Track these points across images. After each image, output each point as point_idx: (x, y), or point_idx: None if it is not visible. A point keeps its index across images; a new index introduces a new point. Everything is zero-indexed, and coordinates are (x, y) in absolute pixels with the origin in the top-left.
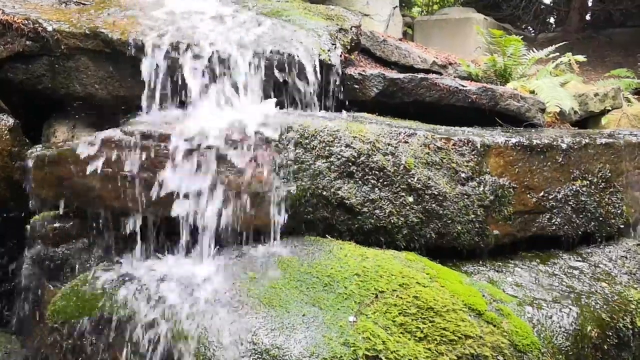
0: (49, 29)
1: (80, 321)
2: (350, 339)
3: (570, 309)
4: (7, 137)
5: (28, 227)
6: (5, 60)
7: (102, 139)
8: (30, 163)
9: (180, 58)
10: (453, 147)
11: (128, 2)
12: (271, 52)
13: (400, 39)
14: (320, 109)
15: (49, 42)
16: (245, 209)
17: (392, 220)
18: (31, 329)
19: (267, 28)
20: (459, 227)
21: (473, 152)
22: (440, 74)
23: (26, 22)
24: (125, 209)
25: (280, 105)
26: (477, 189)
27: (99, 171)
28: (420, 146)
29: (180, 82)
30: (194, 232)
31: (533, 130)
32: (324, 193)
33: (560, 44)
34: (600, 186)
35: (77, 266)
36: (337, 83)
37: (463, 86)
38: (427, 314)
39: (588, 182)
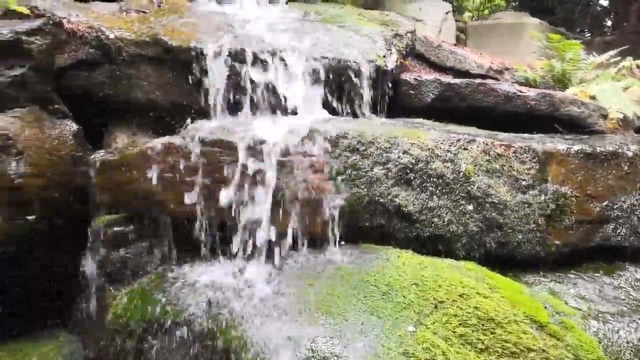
0: (111, 36)
1: (140, 324)
2: (410, 349)
3: (638, 323)
4: (71, 142)
5: (90, 230)
6: (69, 68)
7: (163, 145)
8: (93, 168)
9: (239, 65)
10: (514, 154)
11: (187, 10)
12: (327, 58)
13: (455, 44)
14: (376, 115)
15: (111, 50)
16: (301, 216)
17: (451, 229)
18: (92, 329)
19: (322, 34)
20: (520, 237)
21: (534, 160)
22: (497, 79)
23: (89, 30)
24: (184, 214)
25: (336, 111)
26: (538, 197)
27: (159, 177)
28: (480, 153)
29: (238, 89)
30: (251, 238)
31: (595, 137)
32: (381, 200)
33: (620, 48)
34: None
35: (137, 269)
36: (392, 88)
37: (521, 92)
38: (488, 325)
39: None
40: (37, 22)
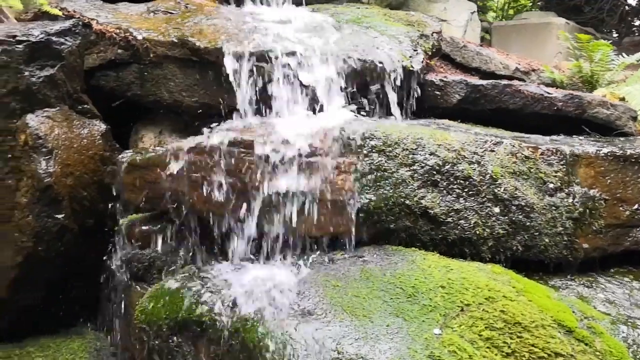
0: (139, 37)
1: (165, 323)
2: (436, 352)
3: None
4: (99, 141)
5: (117, 228)
6: (98, 68)
7: (189, 145)
8: (121, 167)
9: (265, 66)
10: (541, 156)
11: (213, 11)
12: (353, 58)
13: (480, 45)
14: (401, 116)
15: (138, 51)
16: (327, 216)
17: (477, 232)
18: (118, 327)
19: (348, 35)
20: (547, 240)
21: (562, 162)
22: (523, 80)
23: (118, 31)
24: (209, 214)
25: (362, 111)
26: (565, 200)
27: (185, 176)
28: (507, 155)
29: (264, 90)
30: (277, 237)
31: (624, 140)
32: (407, 202)
33: None
34: None
35: (163, 268)
36: (418, 89)
37: (548, 93)
38: (514, 329)
39: None
40: (67, 24)
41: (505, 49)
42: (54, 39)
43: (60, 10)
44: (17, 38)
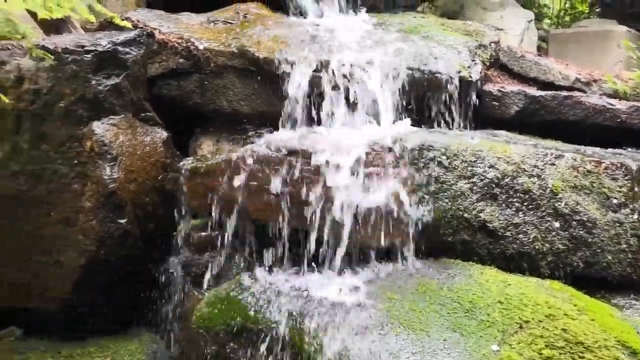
0: (200, 47)
1: (222, 329)
2: None
3: None
4: (161, 149)
5: (176, 234)
6: (160, 77)
7: (247, 153)
8: (183, 174)
9: (322, 76)
10: (604, 170)
11: (272, 21)
12: (410, 69)
13: (538, 54)
14: (459, 126)
15: (199, 60)
16: (383, 228)
17: (537, 246)
18: (175, 331)
19: (406, 44)
20: (609, 257)
21: (627, 177)
22: (584, 91)
23: (180, 41)
24: (266, 221)
25: (419, 122)
26: (630, 216)
27: (244, 184)
28: (569, 169)
29: (321, 100)
30: (332, 248)
31: None
32: (465, 215)
33: None
34: None
35: (220, 274)
36: (476, 100)
37: (611, 105)
38: (576, 349)
39: None
40: (132, 34)
41: (562, 58)
42: (120, 48)
43: (125, 20)
44: (86, 48)
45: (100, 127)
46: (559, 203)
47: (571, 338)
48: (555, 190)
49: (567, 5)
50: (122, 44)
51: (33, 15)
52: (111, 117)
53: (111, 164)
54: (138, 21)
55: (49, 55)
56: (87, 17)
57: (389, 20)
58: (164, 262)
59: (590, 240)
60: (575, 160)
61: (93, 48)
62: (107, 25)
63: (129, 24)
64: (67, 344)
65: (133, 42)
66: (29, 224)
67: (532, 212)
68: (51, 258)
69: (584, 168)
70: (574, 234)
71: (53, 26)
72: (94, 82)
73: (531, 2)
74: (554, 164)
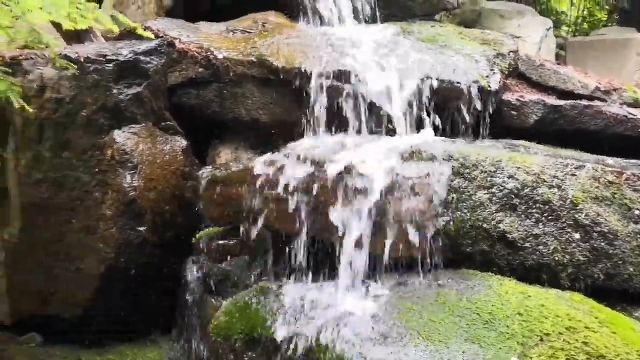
0: (220, 57)
1: (240, 338)
2: None
3: None
4: (181, 157)
5: (195, 242)
6: (179, 86)
7: (266, 163)
8: (202, 183)
9: (340, 85)
10: (626, 182)
11: (290, 30)
12: (429, 78)
13: (557, 63)
14: (478, 136)
15: (219, 70)
16: (402, 238)
17: (557, 258)
18: (193, 338)
19: (424, 54)
20: (631, 269)
21: None
22: (604, 100)
23: (199, 50)
24: (285, 231)
25: (438, 132)
26: None
27: (262, 193)
28: (589, 180)
29: (339, 109)
30: (351, 258)
31: None
32: (485, 225)
33: None
34: None
35: (238, 282)
36: (495, 109)
37: (632, 115)
38: None
39: None
40: (153, 43)
41: (581, 66)
42: (141, 58)
43: (146, 29)
44: (108, 58)
45: (121, 136)
46: (580, 214)
47: (592, 352)
48: (575, 202)
49: (585, 12)
50: (144, 54)
51: (56, 25)
52: (132, 126)
53: (132, 172)
54: (159, 30)
55: (72, 65)
56: (110, 28)
57: (408, 29)
58: (183, 270)
59: (611, 252)
60: (596, 171)
61: (115, 58)
62: (128, 34)
63: (151, 35)
64: (87, 350)
65: (154, 51)
66: (50, 231)
67: (552, 224)
68: (72, 266)
69: (605, 179)
70: (595, 245)
71: (75, 35)
72: (115, 91)
73: (549, 10)
74: (574, 175)
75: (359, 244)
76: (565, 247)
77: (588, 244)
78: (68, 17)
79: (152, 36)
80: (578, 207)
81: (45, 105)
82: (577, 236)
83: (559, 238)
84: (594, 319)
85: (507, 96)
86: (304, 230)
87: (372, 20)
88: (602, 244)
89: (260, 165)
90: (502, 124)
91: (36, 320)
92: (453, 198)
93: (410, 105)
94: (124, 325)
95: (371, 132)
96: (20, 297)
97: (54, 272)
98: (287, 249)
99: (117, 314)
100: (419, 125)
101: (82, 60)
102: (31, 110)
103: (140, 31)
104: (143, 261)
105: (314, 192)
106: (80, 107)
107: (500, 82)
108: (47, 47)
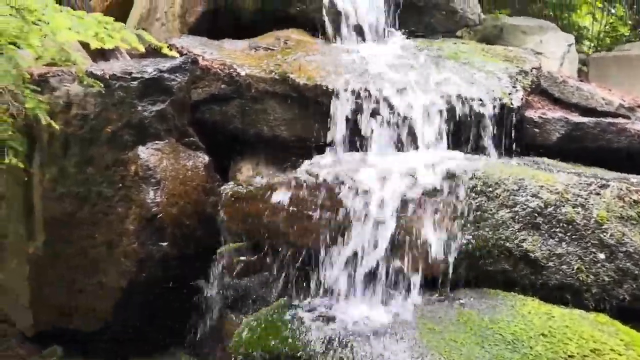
0: (242, 73)
1: (260, 355)
2: None
3: None
4: (203, 173)
5: (215, 257)
6: (202, 102)
7: (287, 180)
8: (223, 199)
9: (362, 103)
10: None
11: (312, 47)
12: (450, 95)
13: (580, 79)
14: (500, 153)
15: (241, 86)
16: (423, 255)
17: (581, 278)
18: (211, 353)
19: (446, 71)
20: None
21: None
22: (628, 117)
23: (222, 67)
24: (306, 247)
25: (458, 149)
26: None
27: (283, 210)
28: (614, 199)
29: (360, 126)
30: (371, 275)
31: None
32: (507, 244)
33: None
34: None
35: (258, 298)
36: (517, 126)
37: None
38: None
39: None
40: (177, 61)
41: (603, 82)
42: (165, 75)
43: (169, 46)
44: (133, 75)
45: (145, 152)
46: (605, 234)
47: None
48: (600, 221)
49: (607, 27)
50: (168, 71)
51: (82, 43)
52: (156, 142)
53: (155, 188)
54: (182, 47)
55: (98, 82)
56: (136, 47)
57: (429, 46)
58: (202, 284)
59: (637, 272)
60: (621, 189)
61: (139, 75)
62: (153, 51)
63: (176, 54)
64: None
65: (178, 69)
66: (73, 245)
67: (575, 243)
68: (94, 279)
69: (630, 198)
70: (620, 265)
71: (100, 53)
72: (139, 107)
73: (571, 25)
74: (598, 194)
75: (378, 263)
76: (590, 266)
77: (613, 264)
78: (95, 36)
79: (177, 54)
80: (603, 227)
81: (71, 121)
82: (602, 256)
83: (582, 258)
84: (619, 341)
85: (529, 113)
86: (325, 247)
87: (393, 37)
88: (628, 264)
89: (281, 182)
90: (524, 141)
91: (57, 332)
92: (475, 216)
93: (431, 122)
94: (144, 339)
95: (391, 149)
96: (42, 309)
97: (76, 285)
98: (308, 266)
99: (137, 328)
100: (441, 142)
101: (108, 77)
102: (57, 127)
103: (165, 50)
104: (163, 275)
105: (334, 209)
106: (105, 123)
107: (522, 99)
108: (74, 65)
